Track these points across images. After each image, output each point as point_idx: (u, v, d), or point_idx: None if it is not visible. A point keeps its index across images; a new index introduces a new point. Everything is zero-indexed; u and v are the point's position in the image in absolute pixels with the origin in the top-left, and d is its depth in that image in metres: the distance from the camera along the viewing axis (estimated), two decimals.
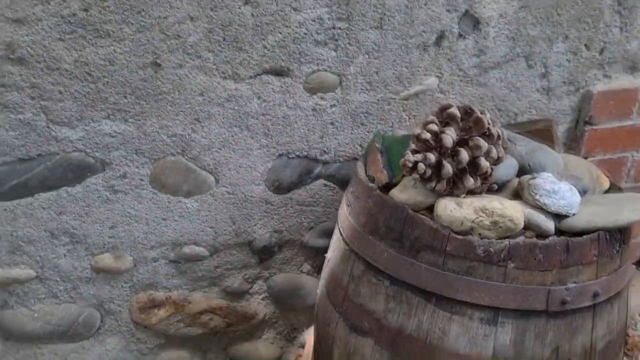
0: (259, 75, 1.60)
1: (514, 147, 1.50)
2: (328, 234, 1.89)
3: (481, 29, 1.74)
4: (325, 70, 1.65)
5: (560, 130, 2.00)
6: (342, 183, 1.84)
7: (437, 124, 1.28)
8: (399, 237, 1.30)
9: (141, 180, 1.61)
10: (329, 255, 1.57)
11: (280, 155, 1.73)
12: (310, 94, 1.67)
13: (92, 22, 1.38)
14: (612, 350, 1.36)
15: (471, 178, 1.25)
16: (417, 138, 1.29)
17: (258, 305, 1.95)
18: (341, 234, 1.49)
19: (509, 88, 1.86)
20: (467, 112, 1.28)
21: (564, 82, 1.92)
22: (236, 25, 1.51)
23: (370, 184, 1.41)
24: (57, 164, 1.50)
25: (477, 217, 1.22)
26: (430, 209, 1.36)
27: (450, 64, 1.76)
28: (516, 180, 1.41)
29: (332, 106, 1.71)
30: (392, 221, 1.31)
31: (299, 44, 1.59)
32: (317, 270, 1.97)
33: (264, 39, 1.56)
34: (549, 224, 1.29)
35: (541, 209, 1.31)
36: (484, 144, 1.23)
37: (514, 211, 1.22)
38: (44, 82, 1.40)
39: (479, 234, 1.23)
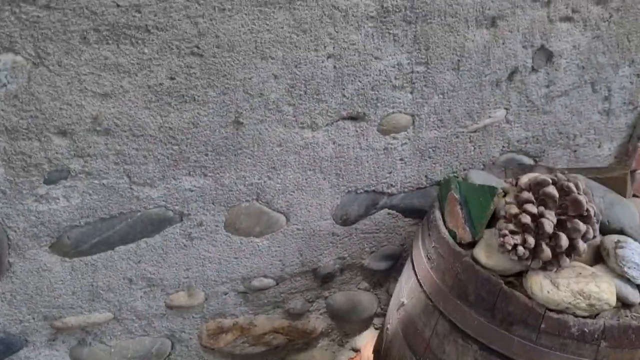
0: (335, 122, 1.57)
1: (592, 199, 1.52)
2: (387, 257, 1.93)
3: (554, 61, 1.70)
4: (400, 112, 1.62)
5: (614, 145, 2.01)
6: (405, 211, 1.85)
7: (533, 203, 1.29)
8: (490, 308, 1.34)
9: (216, 226, 1.61)
10: (404, 299, 1.62)
11: (349, 191, 1.73)
12: (384, 134, 1.65)
13: (178, 88, 1.33)
14: None
15: (567, 258, 1.28)
16: (515, 218, 1.30)
17: (316, 320, 2.02)
18: (421, 286, 1.53)
19: (572, 113, 1.85)
20: (564, 189, 1.29)
21: (625, 102, 1.91)
22: (318, 79, 1.47)
23: (456, 247, 1.43)
24: (138, 220, 1.50)
25: (574, 300, 1.26)
26: (517, 274, 1.39)
27: (519, 96, 1.73)
28: (598, 239, 1.44)
29: (403, 144, 1.69)
30: (484, 292, 1.35)
31: (377, 90, 1.55)
32: (374, 286, 2.03)
33: (343, 89, 1.52)
34: (636, 296, 1.34)
35: (626, 278, 1.35)
36: (582, 227, 1.25)
37: (610, 294, 1.26)
38: (129, 149, 1.37)
39: (574, 313, 1.28)
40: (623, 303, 1.33)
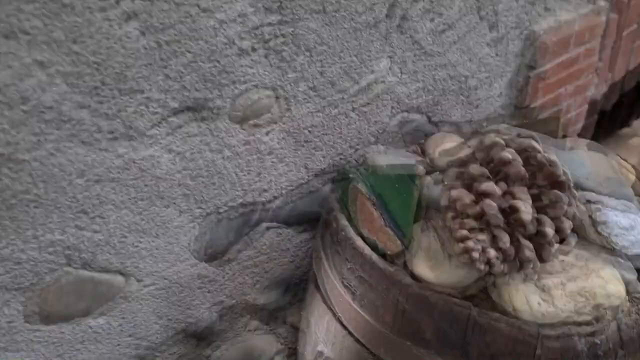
0: (165, 119, 1.02)
1: None
2: (278, 284, 1.44)
3: None
4: (256, 87, 1.11)
5: (504, 82, 1.68)
6: (289, 221, 1.36)
7: (490, 178, 0.87)
8: (460, 345, 0.91)
9: (10, 322, 1.00)
10: (323, 347, 1.14)
11: (208, 214, 1.20)
12: (240, 124, 1.13)
13: None
14: None
15: (552, 248, 0.87)
16: (471, 208, 0.86)
17: None
18: (346, 328, 1.06)
19: (462, 50, 1.47)
20: (524, 150, 0.87)
21: (512, 27, 1.57)
22: (121, 55, 0.90)
23: (387, 267, 0.97)
24: None
25: (577, 306, 0.86)
26: (475, 281, 0.98)
27: (403, 38, 1.30)
28: None
29: (269, 132, 1.19)
30: (446, 323, 0.91)
31: (217, 61, 1.03)
32: (268, 322, 1.53)
33: (165, 67, 0.97)
34: (633, 273, 0.98)
35: (612, 249, 0.99)
36: (564, 198, 0.85)
37: (617, 282, 0.88)
38: None
39: (576, 323, 0.89)
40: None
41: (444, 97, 1.52)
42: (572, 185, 0.88)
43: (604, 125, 2.79)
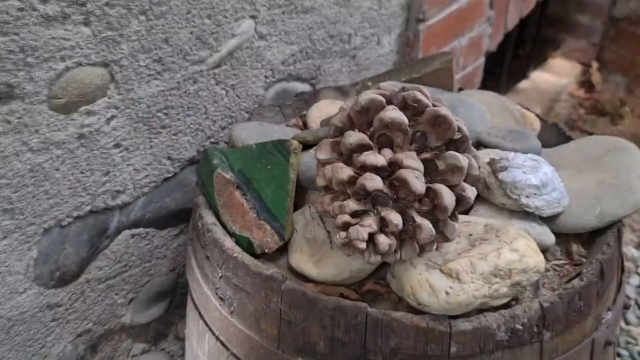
0: None
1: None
2: (157, 296, 1.23)
3: None
4: (80, 65, 0.88)
5: (393, 37, 1.53)
6: (158, 222, 1.15)
7: (371, 148, 0.69)
8: (360, 353, 0.74)
9: None
10: None
11: (47, 230, 0.96)
12: (66, 113, 0.90)
13: None
14: None
15: (453, 223, 0.71)
16: (350, 185, 0.68)
17: None
18: (226, 347, 0.87)
19: (338, 3, 1.29)
20: (409, 106, 0.70)
21: None
22: None
23: (264, 270, 0.79)
24: None
25: (491, 287, 0.71)
26: (374, 272, 0.81)
27: None
28: None
29: (109, 119, 0.96)
30: (340, 331, 0.73)
31: (14, 33, 0.79)
32: (155, 341, 1.31)
33: None
34: (550, 236, 0.85)
35: (527, 213, 0.85)
36: (463, 162, 0.68)
37: (535, 253, 0.73)
38: None
39: (490, 307, 0.73)
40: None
41: (326, 61, 1.34)
42: (470, 143, 0.72)
43: (503, 78, 2.74)
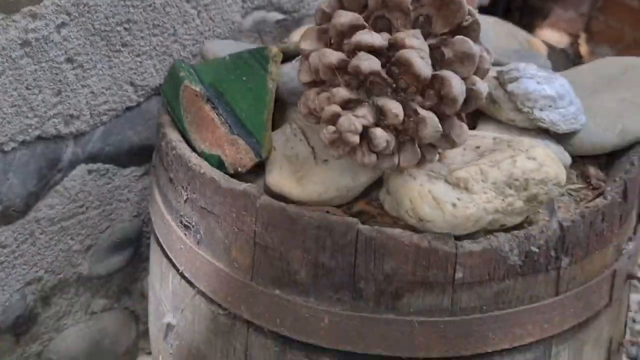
0: None
1: None
2: (120, 245, 1.11)
3: None
4: None
5: None
6: (118, 158, 1.02)
7: (368, 27, 0.57)
8: (348, 282, 0.62)
9: None
10: (170, 318, 0.82)
11: None
12: (6, 12, 0.77)
13: None
14: None
15: (463, 125, 0.60)
16: (338, 69, 0.56)
17: None
18: (191, 284, 0.75)
19: None
20: None
21: None
22: None
23: (236, 185, 0.67)
24: None
25: (504, 199, 0.60)
26: (365, 192, 0.69)
27: None
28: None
29: (58, 26, 0.83)
30: (325, 255, 0.62)
31: None
32: (118, 297, 1.19)
33: None
34: (565, 156, 0.74)
35: (539, 128, 0.74)
36: (475, 49, 0.57)
37: (555, 164, 0.63)
38: None
39: (503, 226, 0.62)
40: None
41: None
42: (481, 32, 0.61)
43: None
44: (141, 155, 1.05)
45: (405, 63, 0.53)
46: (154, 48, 0.97)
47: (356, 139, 0.53)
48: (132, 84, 0.97)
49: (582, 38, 2.88)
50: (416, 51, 0.53)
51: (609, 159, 0.77)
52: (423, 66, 0.52)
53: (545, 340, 0.67)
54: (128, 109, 0.99)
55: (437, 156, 0.63)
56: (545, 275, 0.64)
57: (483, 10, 2.08)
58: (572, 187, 0.74)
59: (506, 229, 0.63)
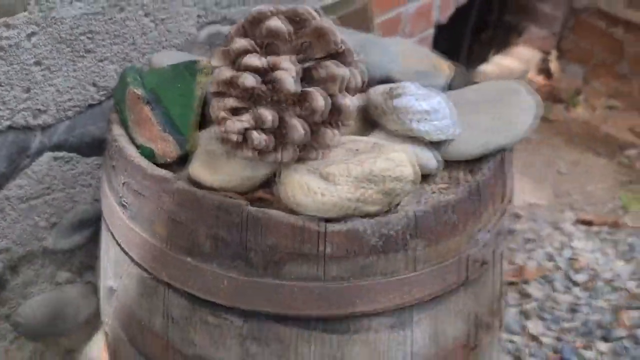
0: None
1: None
2: (81, 224, 1.27)
3: None
4: None
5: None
6: (81, 148, 1.18)
7: (257, 52, 0.73)
8: (241, 252, 0.78)
9: None
10: (111, 282, 0.98)
11: None
12: None
13: None
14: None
15: (330, 131, 0.76)
16: (231, 83, 0.73)
17: (10, 354, 1.28)
18: (127, 253, 0.91)
19: None
20: (296, 20, 0.75)
21: None
22: None
23: (157, 170, 0.83)
24: None
25: (362, 192, 0.76)
26: (267, 183, 0.85)
27: None
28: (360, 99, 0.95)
29: (30, 36, 0.99)
30: (223, 230, 0.78)
31: None
32: (79, 272, 1.34)
33: None
34: (432, 161, 0.90)
35: (415, 138, 0.90)
36: (341, 72, 0.73)
37: (409, 165, 0.79)
38: None
39: (365, 214, 0.78)
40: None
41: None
42: (355, 58, 0.77)
43: (462, 61, 2.79)
44: (102, 147, 1.21)
45: (278, 81, 0.69)
46: (115, 55, 1.13)
47: (237, 137, 0.69)
48: (94, 84, 1.13)
49: (553, 55, 3.04)
50: (287, 72, 0.69)
51: (477, 164, 0.93)
52: (291, 84, 0.68)
53: (405, 308, 0.83)
54: (90, 106, 1.15)
55: (320, 155, 0.79)
56: (404, 255, 0.80)
57: (448, 26, 2.22)
58: (442, 186, 0.90)
59: (372, 216, 0.79)
